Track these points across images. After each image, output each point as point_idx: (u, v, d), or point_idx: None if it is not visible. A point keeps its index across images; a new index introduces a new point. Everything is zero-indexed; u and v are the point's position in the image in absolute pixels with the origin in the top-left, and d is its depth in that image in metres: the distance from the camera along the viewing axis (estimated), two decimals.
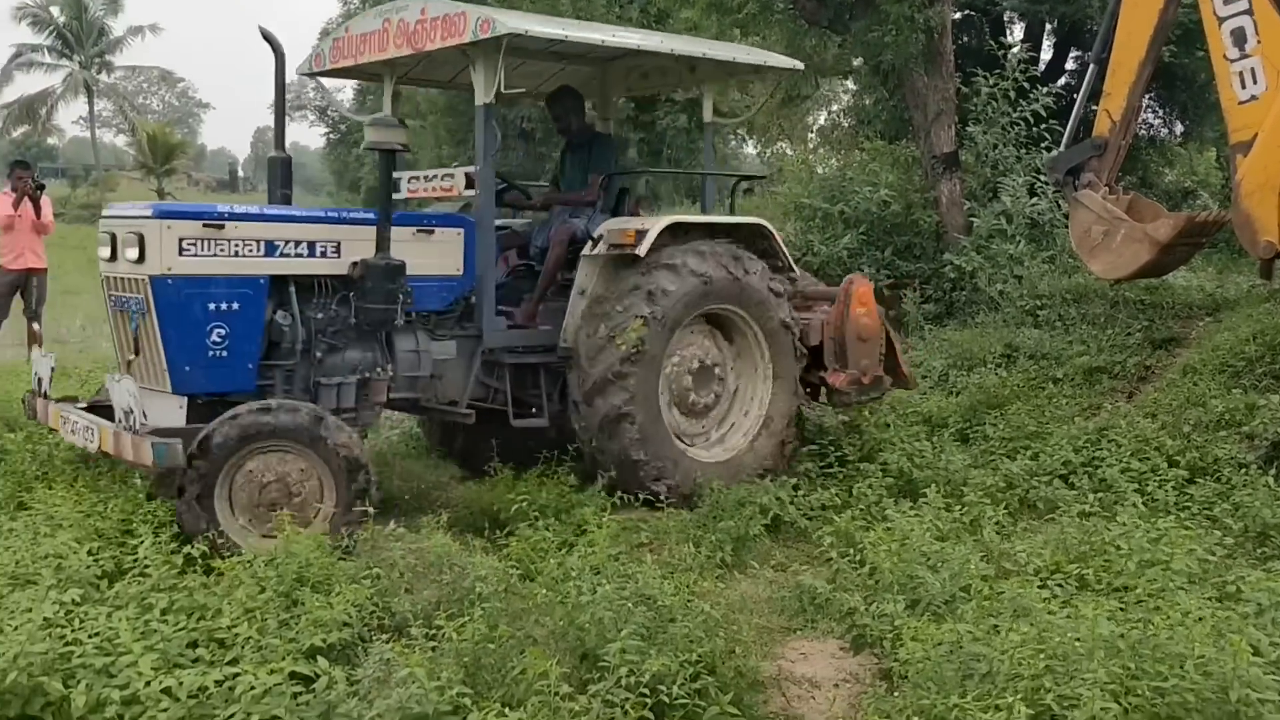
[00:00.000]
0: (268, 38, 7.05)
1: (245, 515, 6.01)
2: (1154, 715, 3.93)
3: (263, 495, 6.02)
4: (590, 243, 7.64)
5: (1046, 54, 18.78)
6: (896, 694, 4.39)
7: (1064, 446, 7.99)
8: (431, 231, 7.29)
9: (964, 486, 7.16)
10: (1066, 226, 10.44)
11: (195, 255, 6.42)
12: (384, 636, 4.62)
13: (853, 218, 13.11)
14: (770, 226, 8.15)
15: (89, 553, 5.30)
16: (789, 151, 20.24)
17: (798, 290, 8.44)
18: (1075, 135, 9.70)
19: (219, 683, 4.25)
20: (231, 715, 4.06)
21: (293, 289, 6.79)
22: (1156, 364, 10.05)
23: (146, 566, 5.15)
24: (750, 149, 30.45)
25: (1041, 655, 4.20)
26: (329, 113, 62.92)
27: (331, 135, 63.93)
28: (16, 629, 4.45)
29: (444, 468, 8.18)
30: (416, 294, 7.08)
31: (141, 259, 6.29)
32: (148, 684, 4.21)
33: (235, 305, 6.53)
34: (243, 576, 5.07)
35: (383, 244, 6.77)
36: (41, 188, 12.30)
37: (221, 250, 6.51)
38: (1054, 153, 10.46)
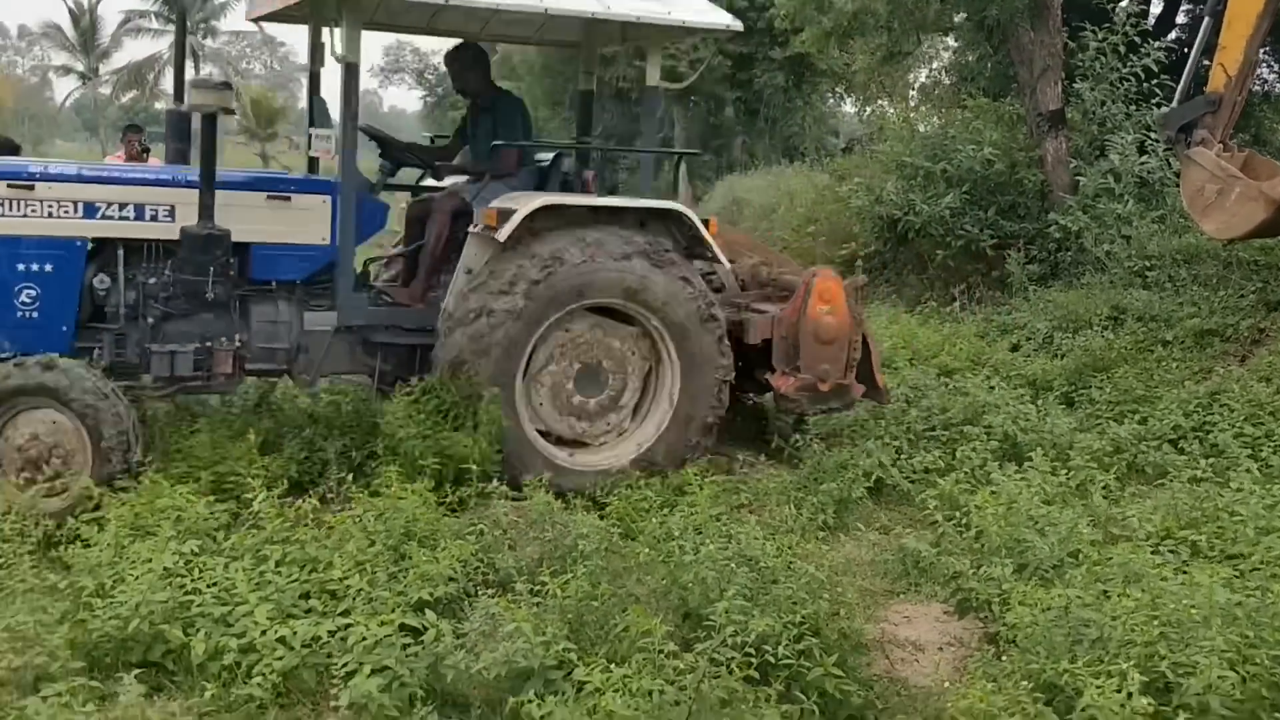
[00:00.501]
0: None
1: (15, 472, 5.91)
2: (1272, 684, 3.85)
3: (22, 454, 5.92)
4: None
5: (1157, 7, 18.16)
6: (1004, 658, 4.35)
7: (1174, 411, 7.80)
8: (288, 198, 6.90)
9: (1070, 451, 7.03)
10: (1177, 185, 10.12)
11: (3, 215, 6.35)
12: (489, 591, 4.69)
13: (955, 177, 12.85)
14: (687, 211, 7.11)
15: (206, 505, 5.46)
16: (889, 110, 19.93)
17: (769, 279, 7.84)
18: (1188, 91, 9.40)
19: (331, 633, 4.38)
20: (344, 664, 4.16)
21: (120, 252, 6.61)
22: (1271, 326, 9.72)
23: (260, 519, 5.28)
24: (848, 108, 30.03)
25: (1155, 622, 4.12)
26: (425, 75, 63.48)
27: (428, 98, 64.52)
28: (138, 578, 4.61)
29: None
30: (271, 263, 6.86)
31: None
32: (263, 633, 4.35)
33: (48, 266, 6.43)
34: (353, 530, 5.18)
35: (204, 211, 6.42)
36: (147, 150, 12.63)
37: (33, 211, 6.41)
38: (1166, 109, 10.14)
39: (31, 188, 6.41)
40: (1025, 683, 3.94)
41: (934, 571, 5.49)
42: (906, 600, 5.38)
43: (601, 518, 5.64)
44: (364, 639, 4.20)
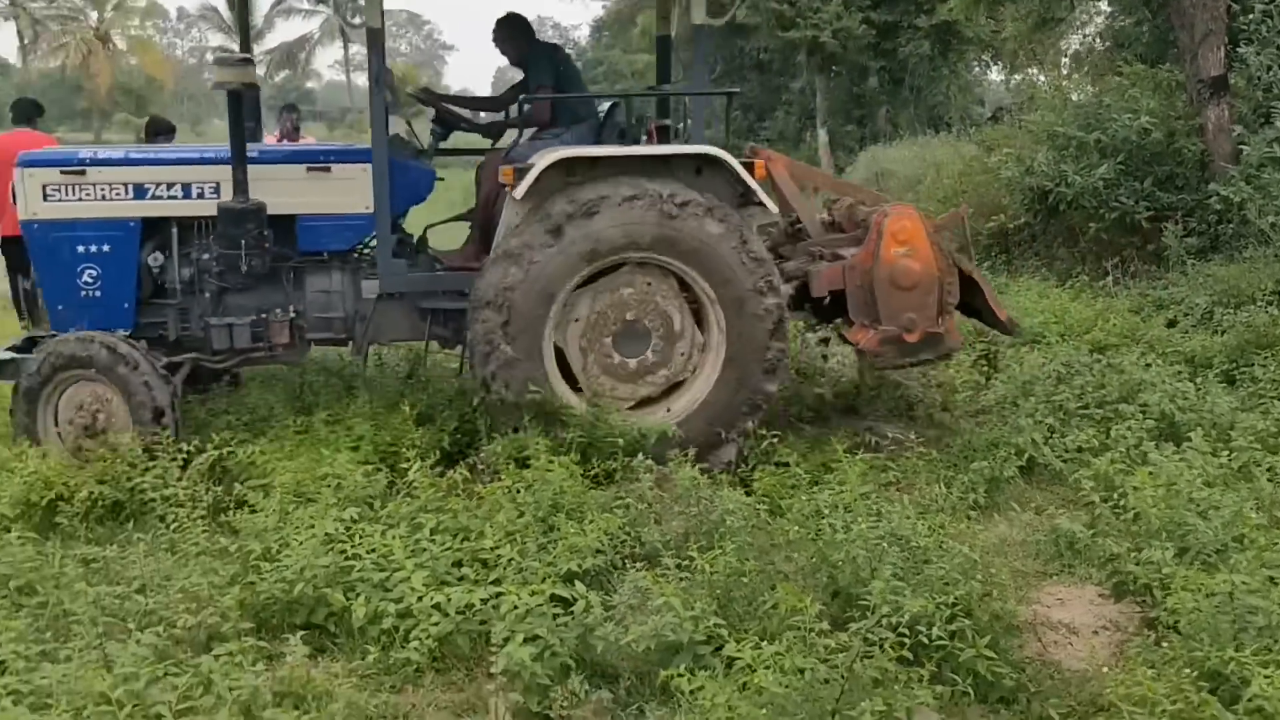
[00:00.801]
0: None
1: (73, 442, 6.37)
2: None
3: (74, 425, 6.41)
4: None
5: None
6: (1164, 645, 4.22)
7: None
8: (328, 169, 6.92)
9: (1231, 431, 6.74)
10: None
11: (59, 200, 6.70)
12: (637, 565, 4.73)
13: (1110, 146, 12.40)
14: (721, 154, 6.57)
15: (364, 474, 5.63)
16: (1040, 78, 19.34)
17: (864, 219, 7.05)
18: None
19: (484, 601, 4.49)
20: (496, 632, 4.26)
21: (174, 230, 6.85)
22: None
23: (415, 489, 5.42)
24: (995, 75, 29.25)
25: None
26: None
27: None
28: (302, 544, 4.79)
29: None
30: (314, 234, 6.93)
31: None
32: (420, 599, 4.49)
33: (106, 247, 6.73)
34: (502, 501, 5.29)
35: (238, 186, 6.58)
36: (296, 129, 13.01)
37: (86, 195, 6.73)
38: None
39: (83, 173, 6.75)
40: (1188, 670, 3.83)
41: (1089, 553, 5.35)
42: (1060, 582, 5.26)
43: (748, 494, 5.63)
44: (516, 608, 4.29)
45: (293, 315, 6.89)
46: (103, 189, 6.77)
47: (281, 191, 6.80)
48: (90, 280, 6.77)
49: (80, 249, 6.74)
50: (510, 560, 4.75)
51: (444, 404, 6.98)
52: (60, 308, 6.78)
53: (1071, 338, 9.07)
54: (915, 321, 6.67)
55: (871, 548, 4.59)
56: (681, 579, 4.51)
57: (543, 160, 6.33)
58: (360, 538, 4.89)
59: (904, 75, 24.10)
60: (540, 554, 4.82)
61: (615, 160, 6.48)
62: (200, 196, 6.80)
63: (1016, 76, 22.96)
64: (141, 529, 5.43)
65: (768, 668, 3.75)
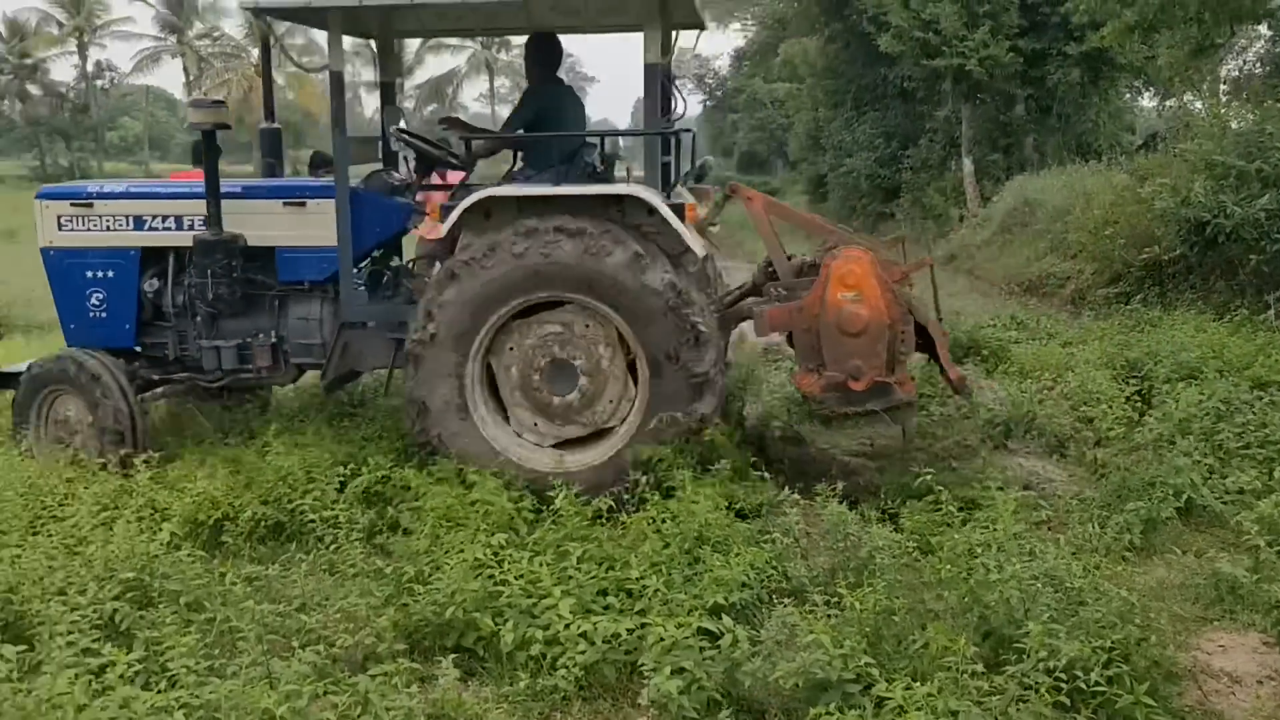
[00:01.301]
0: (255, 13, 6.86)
1: (49, 440, 7.12)
2: None
3: (57, 428, 7.14)
4: None
5: None
6: None
7: None
8: (303, 204, 7.19)
9: None
10: None
11: (71, 230, 7.38)
12: (784, 600, 4.71)
13: (1271, 176, 11.94)
14: (643, 194, 6.38)
15: (510, 501, 5.73)
16: (1197, 105, 18.71)
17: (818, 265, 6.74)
18: None
19: (630, 630, 4.52)
20: (642, 663, 4.29)
21: (170, 258, 7.36)
22: None
23: (561, 516, 5.50)
24: (1146, 102, 28.39)
25: None
26: (705, 80, 64.21)
27: (707, 102, 65.29)
28: (452, 568, 4.89)
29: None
30: (292, 265, 7.22)
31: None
32: (567, 626, 4.55)
33: (110, 273, 7.36)
34: (647, 531, 5.33)
35: (211, 219, 7.05)
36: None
37: (94, 225, 7.37)
38: None
39: (91, 205, 7.40)
40: None
41: (1252, 599, 5.14)
42: (1221, 628, 5.06)
43: (896, 530, 5.55)
44: (662, 639, 4.32)
45: (274, 340, 7.30)
46: (107, 220, 7.39)
47: (261, 225, 7.24)
48: (97, 303, 7.42)
49: (89, 274, 7.39)
50: (656, 591, 4.78)
51: None
52: (72, 326, 7.48)
53: (1230, 374, 8.72)
54: (861, 369, 6.40)
55: (1025, 589, 4.49)
56: (830, 616, 4.48)
57: (465, 202, 6.46)
58: (509, 564, 4.98)
59: (1052, 103, 23.55)
60: (686, 586, 4.85)
61: (539, 200, 6.47)
62: (190, 228, 7.27)
63: (1170, 103, 22.29)
64: (302, 549, 5.62)
65: (919, 709, 3.70)
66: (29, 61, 61.51)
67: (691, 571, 4.99)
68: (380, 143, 7.99)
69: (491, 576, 4.90)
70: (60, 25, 61.53)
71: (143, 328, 7.46)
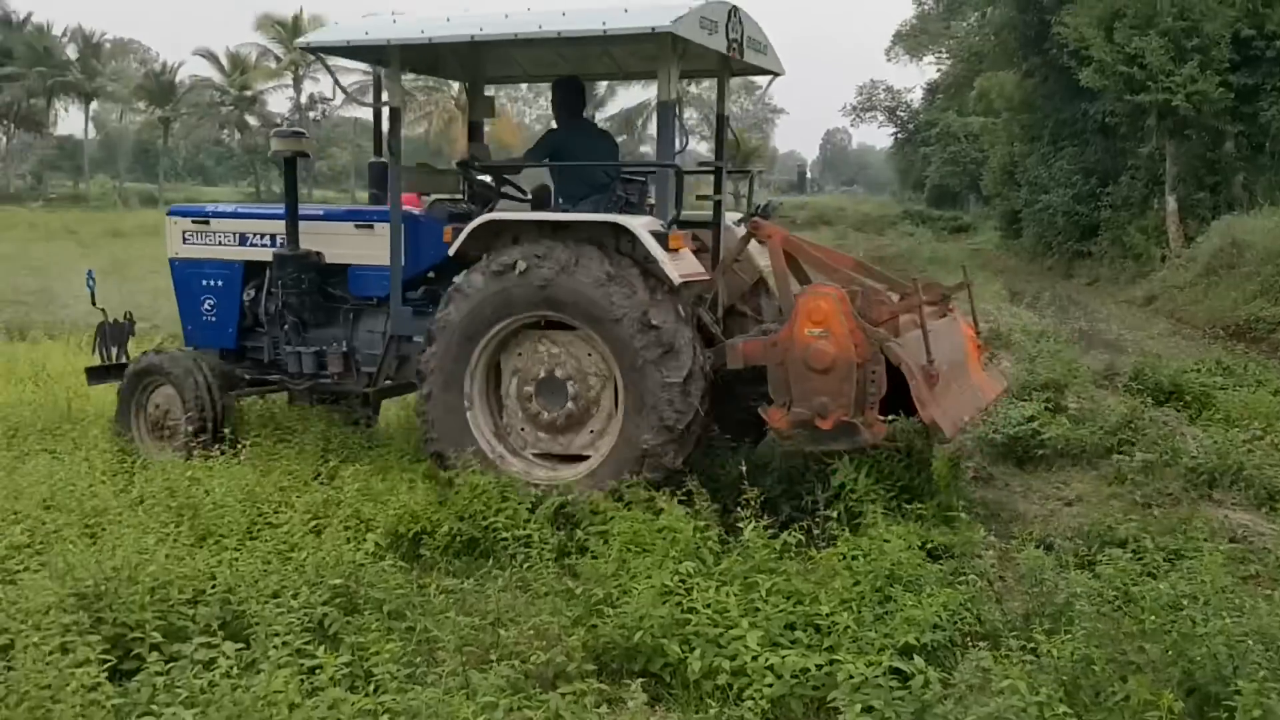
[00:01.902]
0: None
1: (150, 430, 7.90)
2: None
3: (154, 415, 7.87)
4: None
5: None
6: None
7: None
8: (371, 226, 7.81)
9: None
10: None
11: (193, 244, 8.40)
12: (979, 644, 4.61)
13: None
14: (629, 224, 6.67)
15: (696, 530, 5.77)
16: None
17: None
18: None
19: (819, 666, 4.49)
20: (831, 699, 4.26)
21: (267, 272, 8.09)
22: None
23: (749, 548, 5.51)
24: None
25: None
26: (897, 113, 63.56)
27: (899, 135, 64.57)
28: (640, 593, 4.95)
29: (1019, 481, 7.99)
30: (362, 281, 7.88)
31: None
32: (754, 658, 4.55)
33: (219, 283, 8.29)
34: (838, 567, 5.29)
35: (290, 237, 7.87)
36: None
37: (209, 240, 8.36)
38: None
39: (207, 223, 8.41)
40: None
41: None
42: None
43: (1094, 577, 5.37)
44: (852, 677, 4.27)
45: (346, 350, 7.92)
46: (219, 236, 8.35)
47: (337, 245, 7.98)
48: (209, 308, 8.36)
49: (204, 283, 8.35)
50: (846, 628, 4.74)
51: (776, 463, 7.05)
52: (189, 327, 8.46)
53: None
54: (828, 407, 6.24)
55: (1234, 645, 4.29)
56: (1025, 662, 4.37)
57: (471, 224, 6.96)
58: (696, 592, 5.01)
59: (1265, 140, 22.48)
60: (877, 624, 4.79)
61: (537, 225, 6.93)
62: (283, 246, 8.01)
63: None
64: (496, 565, 5.77)
65: None
66: (248, 94, 65.22)
67: (882, 610, 4.93)
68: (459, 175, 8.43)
69: (679, 604, 4.94)
70: (278, 59, 65.12)
71: (244, 333, 8.34)
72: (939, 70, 55.69)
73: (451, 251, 7.07)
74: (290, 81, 66.22)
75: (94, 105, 76.37)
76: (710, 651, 4.66)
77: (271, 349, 8.18)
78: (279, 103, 72.88)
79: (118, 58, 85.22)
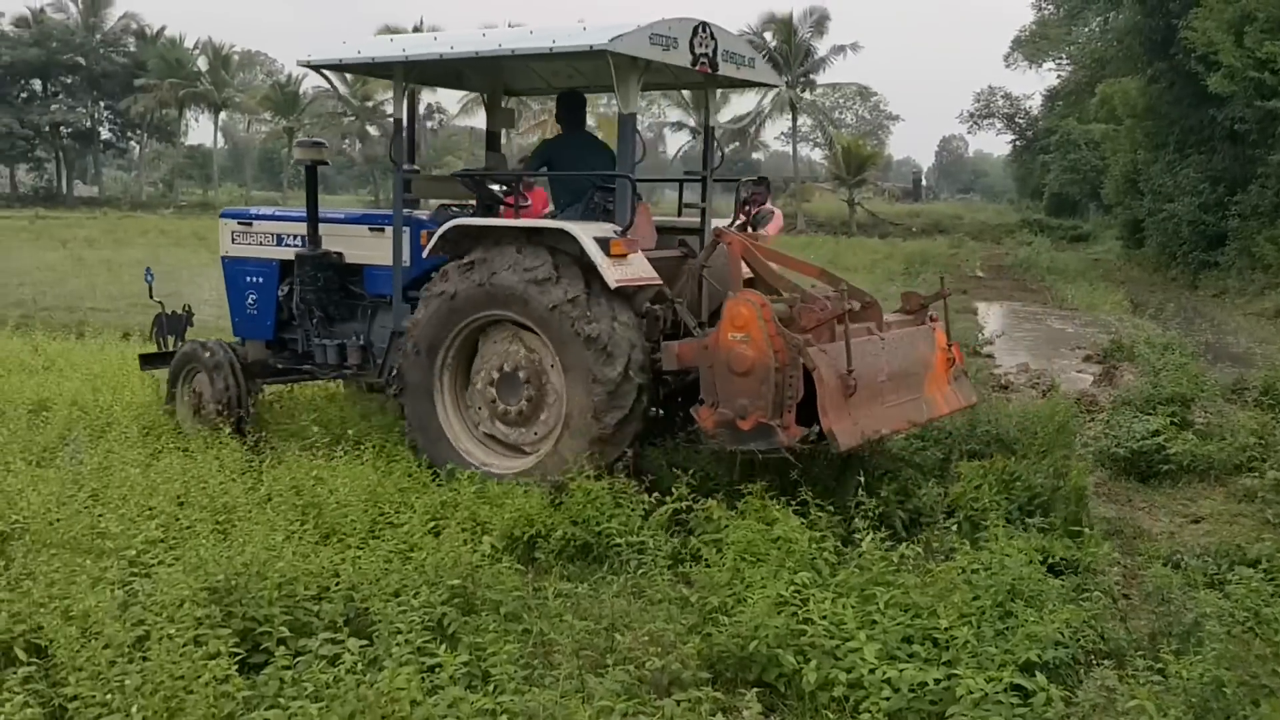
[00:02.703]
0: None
1: (191, 410, 8.66)
2: None
3: (193, 398, 8.69)
4: None
5: None
6: None
7: None
8: (383, 230, 8.30)
9: None
10: None
11: (239, 244, 9.16)
12: (1103, 662, 4.51)
13: None
14: (571, 229, 7.04)
15: (812, 541, 5.73)
16: None
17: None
18: None
19: (937, 681, 4.42)
20: (950, 714, 4.19)
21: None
22: None
23: (866, 559, 5.45)
24: None
25: None
26: (1015, 120, 62.42)
27: (1017, 142, 63.42)
28: (755, 602, 4.94)
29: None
30: (374, 280, 8.43)
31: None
32: (871, 671, 4.49)
33: (260, 279, 8.99)
34: (957, 581, 5.21)
35: (311, 238, 8.52)
36: (747, 203, 13.43)
37: (252, 241, 9.09)
38: None
39: (251, 225, 9.15)
40: None
41: None
42: None
43: (1224, 597, 5.21)
44: (972, 692, 4.21)
45: (363, 343, 8.51)
46: (260, 237, 9.07)
47: (355, 246, 8.57)
48: (251, 303, 9.08)
49: (247, 279, 9.08)
50: (965, 643, 4.66)
51: (891, 474, 6.98)
52: (236, 320, 9.21)
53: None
54: (747, 409, 6.45)
55: None
56: (1152, 683, 4.25)
57: (442, 229, 7.49)
58: (812, 603, 4.97)
59: None
60: (997, 639, 4.71)
61: (496, 230, 7.42)
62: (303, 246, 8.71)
63: None
64: (610, 570, 5.81)
65: None
66: (369, 104, 66.60)
67: (1003, 625, 4.84)
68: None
69: (795, 614, 4.91)
70: None
71: (280, 325, 9.02)
72: (1059, 76, 54.61)
73: (425, 254, 7.70)
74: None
75: (223, 115, 78.90)
76: (826, 663, 4.61)
77: (304, 341, 8.82)
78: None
79: (245, 69, 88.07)
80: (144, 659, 4.18)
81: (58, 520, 5.65)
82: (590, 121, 9.63)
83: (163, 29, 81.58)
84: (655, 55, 7.12)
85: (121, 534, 5.46)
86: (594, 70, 8.29)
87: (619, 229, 7.18)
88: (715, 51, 7.59)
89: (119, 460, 6.83)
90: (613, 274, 6.94)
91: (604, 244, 7.00)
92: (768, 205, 13.34)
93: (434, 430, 7.56)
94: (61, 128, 77.52)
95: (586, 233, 7.04)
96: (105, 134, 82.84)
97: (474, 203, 8.42)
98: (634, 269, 7.12)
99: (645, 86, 8.13)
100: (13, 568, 5.05)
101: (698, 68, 7.51)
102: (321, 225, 8.65)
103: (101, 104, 79.52)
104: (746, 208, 12.98)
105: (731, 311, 6.58)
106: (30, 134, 75.97)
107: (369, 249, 8.48)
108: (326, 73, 8.24)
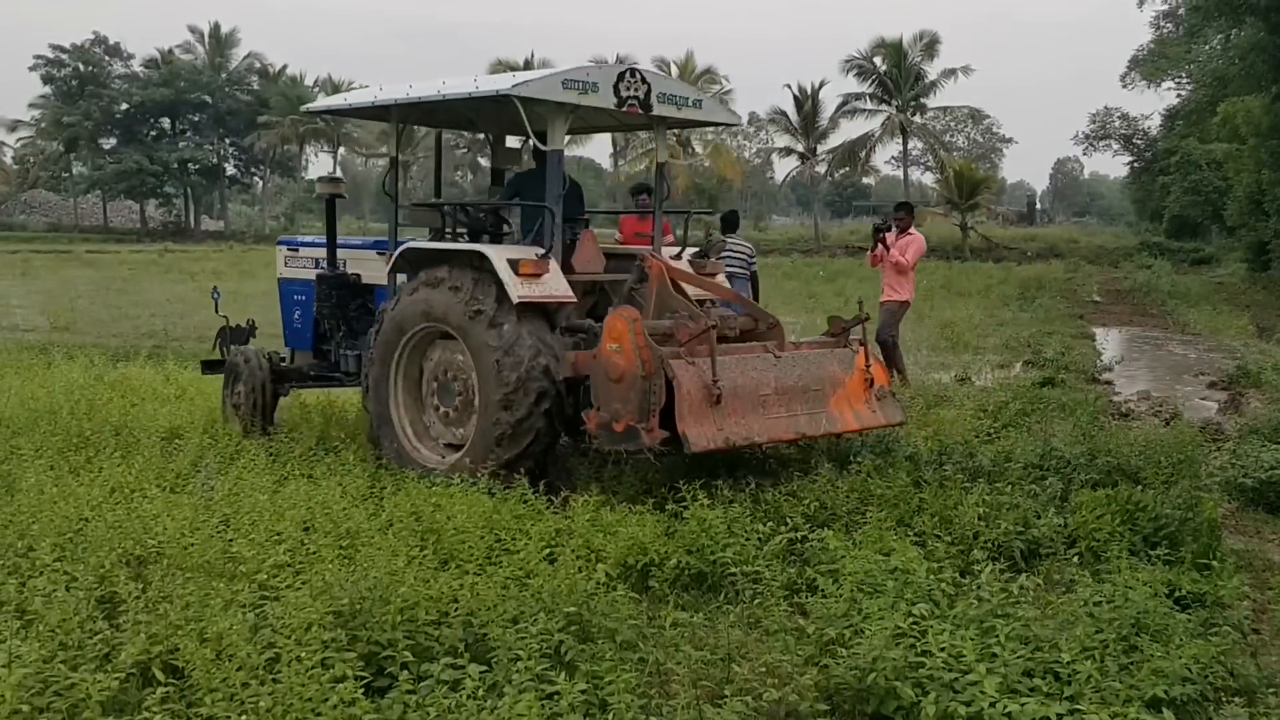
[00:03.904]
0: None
1: (234, 410, 9.78)
2: None
3: (234, 398, 9.83)
4: None
5: None
6: None
7: None
8: (385, 254, 9.16)
9: None
10: None
11: (290, 267, 10.45)
12: (1233, 699, 4.38)
13: None
14: (486, 252, 8.03)
15: (930, 572, 5.68)
16: None
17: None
18: None
19: (1060, 716, 4.34)
20: None
21: None
22: None
23: (985, 591, 5.38)
24: None
25: None
26: (1134, 141, 61.00)
27: (1135, 163, 61.94)
28: (872, 634, 4.90)
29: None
30: (381, 298, 9.21)
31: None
32: (991, 705, 4.41)
33: (303, 298, 10.19)
34: (1079, 614, 5.11)
35: (330, 261, 9.82)
36: (889, 229, 13.40)
37: (299, 265, 10.35)
38: None
39: (298, 251, 10.49)
40: None
41: None
42: None
43: None
44: None
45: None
46: (303, 261, 10.32)
47: (368, 268, 9.66)
48: (297, 318, 10.35)
49: (295, 297, 10.33)
50: (1088, 677, 4.56)
51: (1010, 506, 6.87)
52: (286, 333, 10.52)
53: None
54: (619, 412, 7.19)
55: None
56: None
57: (397, 251, 8.67)
58: (931, 635, 4.92)
59: None
60: (1121, 675, 4.60)
61: (437, 253, 8.46)
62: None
63: None
64: (725, 600, 5.82)
65: None
66: (480, 138, 67.70)
67: (1127, 660, 4.73)
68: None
69: (913, 646, 4.86)
70: None
71: (319, 338, 10.14)
72: (1179, 95, 53.23)
73: (386, 274, 8.89)
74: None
75: (341, 150, 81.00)
76: (945, 696, 4.55)
77: (335, 351, 9.90)
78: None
79: None
80: (275, 681, 4.30)
81: (192, 545, 5.84)
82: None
83: (284, 67, 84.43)
84: (571, 99, 7.99)
85: (252, 558, 5.63)
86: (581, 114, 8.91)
87: (540, 252, 8.08)
88: (648, 94, 8.38)
89: (248, 486, 7.04)
90: (517, 290, 7.81)
91: (514, 265, 7.85)
92: (912, 231, 13.27)
93: (388, 429, 8.56)
94: (189, 164, 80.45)
95: (501, 255, 7.97)
96: (230, 170, 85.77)
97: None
98: (544, 287, 7.96)
99: (597, 129, 10.08)
100: (150, 591, 5.23)
101: (625, 109, 8.32)
102: (343, 251, 10.01)
103: (226, 141, 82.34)
104: (881, 235, 13.01)
105: (609, 325, 7.36)
106: (159, 170, 78.99)
107: (377, 271, 9.45)
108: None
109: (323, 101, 9.70)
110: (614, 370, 7.25)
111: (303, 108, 9.75)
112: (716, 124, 9.89)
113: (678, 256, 9.04)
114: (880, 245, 13.19)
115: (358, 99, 9.29)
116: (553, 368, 7.80)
